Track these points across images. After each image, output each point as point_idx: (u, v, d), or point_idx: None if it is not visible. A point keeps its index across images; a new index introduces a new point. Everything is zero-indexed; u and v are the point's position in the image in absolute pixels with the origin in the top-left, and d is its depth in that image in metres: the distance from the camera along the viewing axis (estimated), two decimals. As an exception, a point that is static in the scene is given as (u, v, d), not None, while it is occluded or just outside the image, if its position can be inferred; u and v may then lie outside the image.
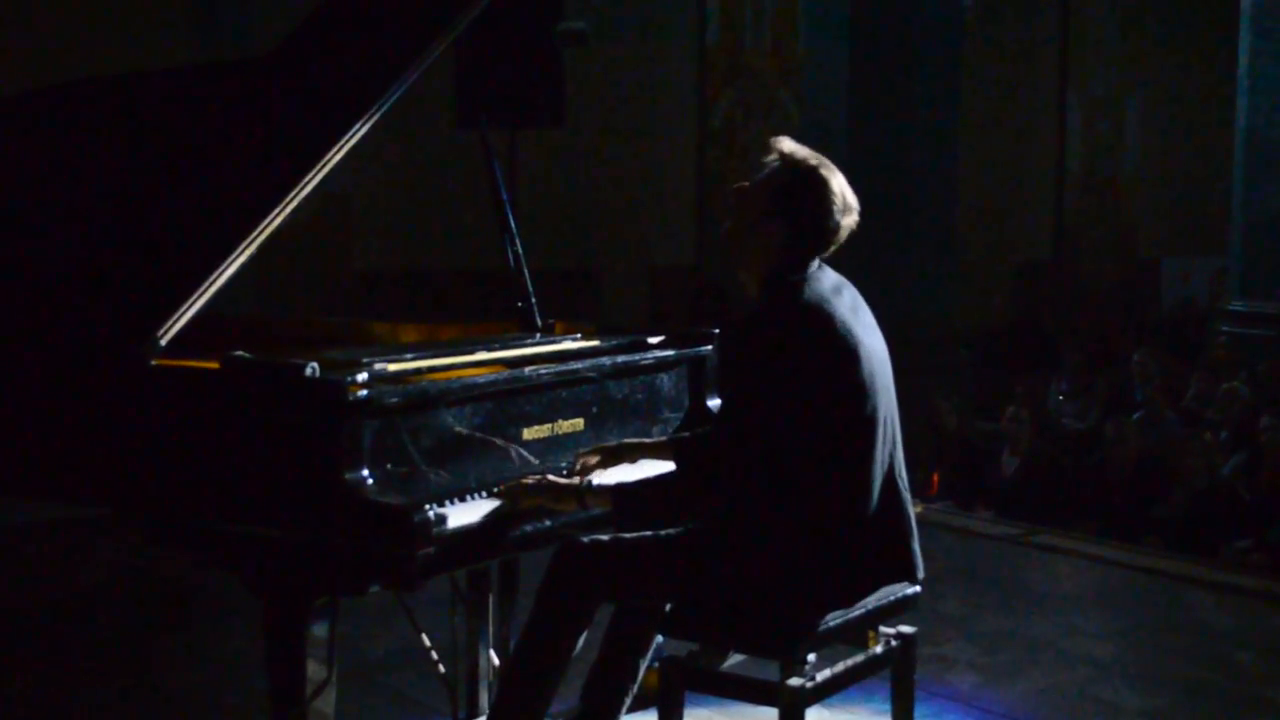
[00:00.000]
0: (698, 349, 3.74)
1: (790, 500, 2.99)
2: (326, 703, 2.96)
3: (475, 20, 3.31)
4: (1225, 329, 10.61)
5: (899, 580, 3.17)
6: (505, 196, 3.91)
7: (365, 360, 3.06)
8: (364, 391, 2.82)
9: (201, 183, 3.39)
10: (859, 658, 3.18)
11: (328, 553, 2.81)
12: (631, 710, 3.43)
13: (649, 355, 3.63)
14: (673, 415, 3.67)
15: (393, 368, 3.08)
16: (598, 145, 11.42)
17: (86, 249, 3.42)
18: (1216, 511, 6.95)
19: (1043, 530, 6.84)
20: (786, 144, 3.13)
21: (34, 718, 4.36)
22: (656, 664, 3.26)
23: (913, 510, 3.16)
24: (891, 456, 3.10)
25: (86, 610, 5.39)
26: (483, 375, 3.22)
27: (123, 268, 3.31)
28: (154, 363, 3.04)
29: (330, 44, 3.51)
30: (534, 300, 3.86)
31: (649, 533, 3.15)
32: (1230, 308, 10.72)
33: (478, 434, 3.11)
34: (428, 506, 2.80)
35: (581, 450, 3.26)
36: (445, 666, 3.75)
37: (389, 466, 2.90)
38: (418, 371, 3.14)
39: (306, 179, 3.17)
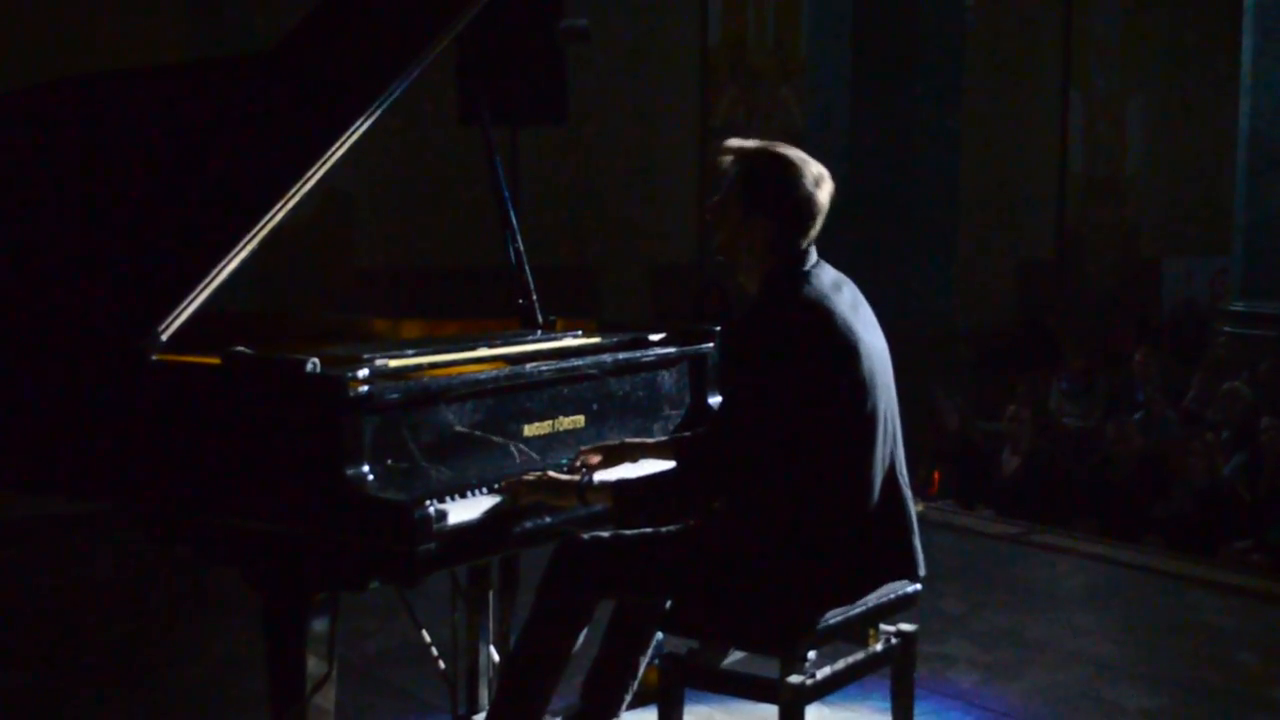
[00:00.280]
0: (699, 346, 3.73)
1: (790, 497, 2.99)
2: (326, 698, 2.96)
3: (477, 17, 3.31)
4: (1226, 329, 10.61)
5: (900, 578, 3.17)
6: (506, 194, 3.91)
7: (366, 356, 3.06)
8: (365, 387, 2.83)
9: (203, 178, 3.39)
10: (859, 655, 3.18)
11: (328, 548, 2.81)
12: (631, 707, 3.44)
13: (650, 352, 3.63)
14: (673, 413, 3.67)
15: (394, 364, 3.09)
16: (600, 143, 11.43)
17: (88, 245, 3.43)
18: (1217, 511, 6.95)
19: (1043, 529, 6.84)
20: (733, 142, 3.15)
21: (34, 716, 4.36)
22: (656, 661, 3.26)
23: (914, 508, 3.16)
24: (892, 454, 3.10)
25: (87, 607, 5.40)
26: (484, 372, 3.22)
27: (124, 263, 3.31)
28: (155, 358, 3.04)
29: (332, 40, 3.51)
30: (535, 297, 3.86)
31: (649, 530, 3.16)
32: (1231, 308, 10.72)
33: (478, 430, 3.11)
34: (428, 502, 2.81)
35: (583, 448, 3.26)
36: (445, 662, 3.75)
37: (389, 462, 2.90)
38: (418, 368, 3.14)
39: (308, 175, 3.18)
